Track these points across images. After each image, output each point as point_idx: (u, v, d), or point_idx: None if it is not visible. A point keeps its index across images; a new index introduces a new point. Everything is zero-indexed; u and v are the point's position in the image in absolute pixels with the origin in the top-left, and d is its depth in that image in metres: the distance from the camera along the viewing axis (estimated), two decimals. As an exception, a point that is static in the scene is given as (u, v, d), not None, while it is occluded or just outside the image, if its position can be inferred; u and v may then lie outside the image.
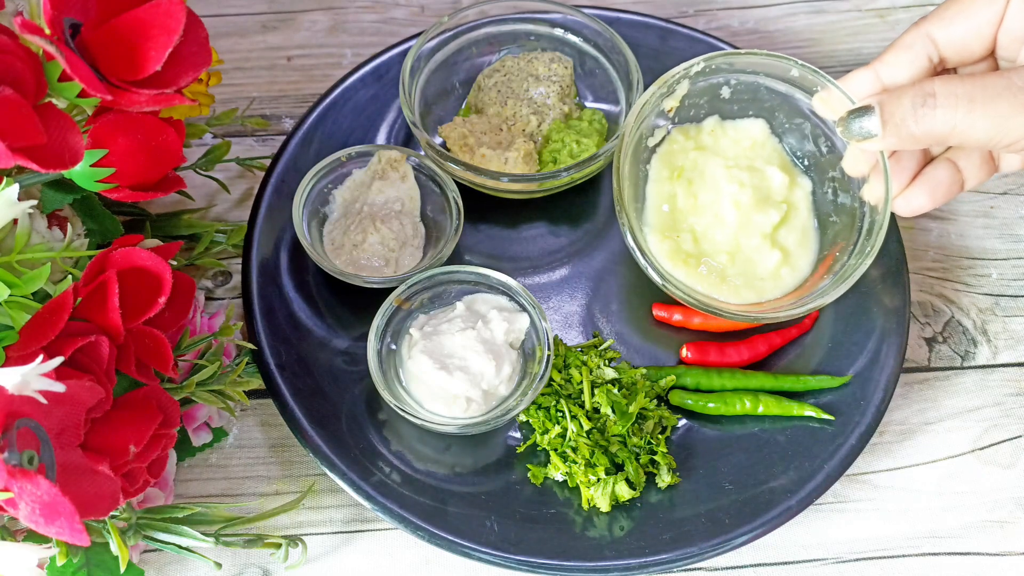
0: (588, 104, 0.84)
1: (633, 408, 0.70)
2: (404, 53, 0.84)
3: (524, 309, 0.72)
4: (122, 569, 0.59)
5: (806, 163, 0.75)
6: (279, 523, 0.70)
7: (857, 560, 0.70)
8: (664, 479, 0.69)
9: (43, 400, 0.46)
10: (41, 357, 0.47)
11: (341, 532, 0.70)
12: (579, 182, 0.78)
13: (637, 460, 0.69)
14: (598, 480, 0.68)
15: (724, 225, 0.73)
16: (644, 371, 0.73)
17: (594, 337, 0.76)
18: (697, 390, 0.73)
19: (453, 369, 0.69)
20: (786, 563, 0.70)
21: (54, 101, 0.51)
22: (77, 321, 0.53)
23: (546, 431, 0.70)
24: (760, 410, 0.72)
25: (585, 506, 0.68)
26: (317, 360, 0.73)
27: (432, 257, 0.74)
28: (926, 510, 0.72)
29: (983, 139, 0.57)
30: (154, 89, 0.51)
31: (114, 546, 0.59)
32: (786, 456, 0.70)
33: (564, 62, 0.83)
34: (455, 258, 0.78)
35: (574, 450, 0.69)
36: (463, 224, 0.75)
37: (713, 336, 0.76)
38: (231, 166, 0.84)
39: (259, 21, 0.93)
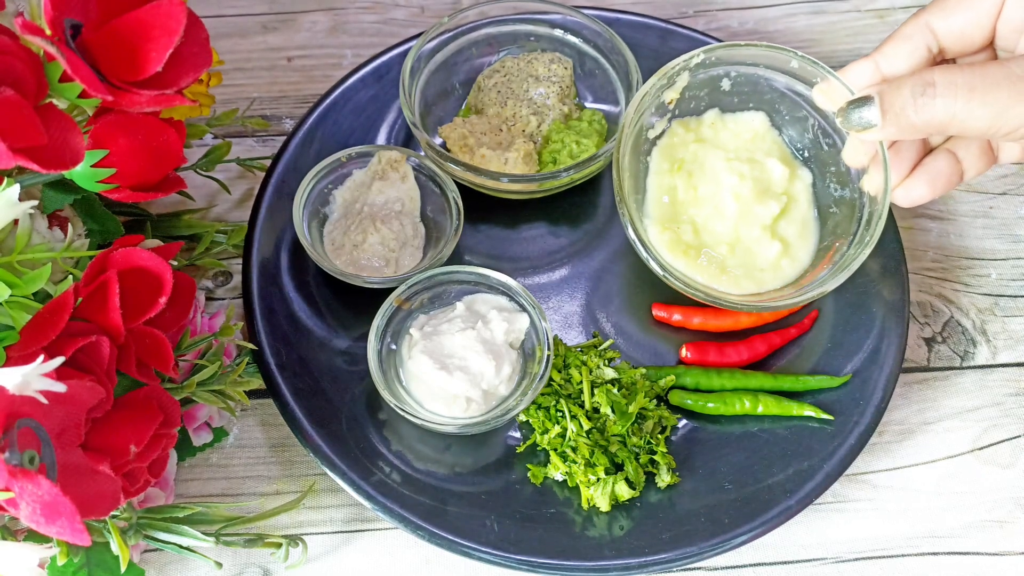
0: (588, 105, 0.84)
1: (633, 408, 0.70)
2: (404, 54, 0.84)
3: (524, 309, 0.72)
4: (123, 569, 0.59)
5: (806, 155, 0.75)
6: (279, 523, 0.70)
7: (856, 560, 0.70)
8: (664, 479, 0.69)
9: (44, 400, 0.46)
10: (42, 357, 0.47)
11: (341, 532, 0.70)
12: (579, 182, 0.79)
13: (637, 460, 0.69)
14: (598, 480, 0.68)
15: (724, 217, 0.73)
16: (644, 371, 0.73)
17: (594, 337, 0.76)
18: (697, 390, 0.73)
19: (453, 369, 0.69)
20: (785, 563, 0.70)
21: (55, 102, 0.51)
22: (78, 321, 0.53)
23: (546, 431, 0.70)
24: (759, 410, 0.72)
25: (585, 506, 0.69)
26: (317, 360, 0.73)
27: (432, 257, 0.74)
28: (925, 510, 0.72)
29: (983, 128, 0.56)
30: (155, 90, 0.51)
31: (115, 546, 0.59)
32: (785, 456, 0.70)
33: (564, 63, 0.83)
34: (455, 258, 0.78)
35: (574, 450, 0.69)
36: (463, 224, 0.75)
37: (713, 336, 0.76)
38: (231, 166, 0.84)
39: (259, 22, 0.93)
